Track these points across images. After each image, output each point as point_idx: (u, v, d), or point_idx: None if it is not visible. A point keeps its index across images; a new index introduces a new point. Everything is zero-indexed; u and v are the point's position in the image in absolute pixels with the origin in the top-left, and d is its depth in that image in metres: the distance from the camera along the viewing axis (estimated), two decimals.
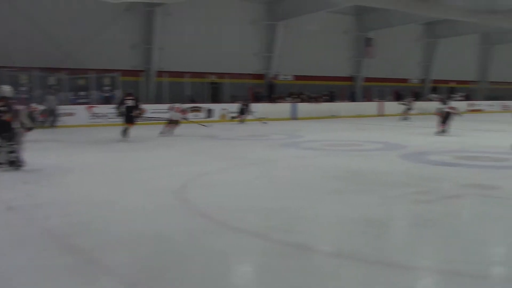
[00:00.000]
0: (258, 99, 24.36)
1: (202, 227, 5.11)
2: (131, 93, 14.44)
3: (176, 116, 15.68)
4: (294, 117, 23.88)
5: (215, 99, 24.66)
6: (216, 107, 22.66)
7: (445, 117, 15.33)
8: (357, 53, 29.95)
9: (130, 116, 13.61)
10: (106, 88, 21.28)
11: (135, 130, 14.12)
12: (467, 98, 34.67)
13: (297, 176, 8.22)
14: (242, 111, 21.55)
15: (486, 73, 37.28)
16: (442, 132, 15.19)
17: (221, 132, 16.52)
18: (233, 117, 22.02)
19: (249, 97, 23.90)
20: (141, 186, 7.20)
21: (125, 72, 21.85)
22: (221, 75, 24.70)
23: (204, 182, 7.68)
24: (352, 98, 29.50)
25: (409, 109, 23.30)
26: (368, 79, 30.42)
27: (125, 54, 23.09)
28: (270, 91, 25.97)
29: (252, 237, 4.85)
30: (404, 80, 32.93)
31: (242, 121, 21.31)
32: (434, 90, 33.77)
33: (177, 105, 16.21)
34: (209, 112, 22.16)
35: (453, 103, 17.52)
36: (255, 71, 26.49)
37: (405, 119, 22.73)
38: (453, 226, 5.28)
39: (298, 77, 27.75)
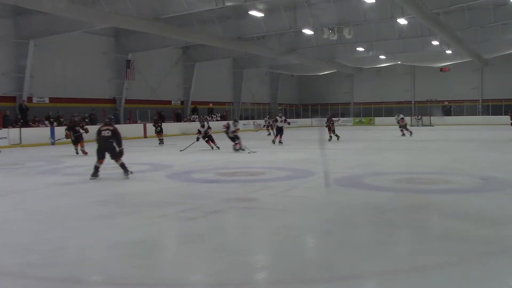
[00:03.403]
0: (7, 123, 22.02)
1: None
2: None
3: None
4: (53, 142, 22.35)
5: None
6: None
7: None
8: (118, 74, 29.59)
9: None
10: None
11: None
12: (224, 118, 37.31)
13: (59, 205, 7.67)
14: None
15: (239, 95, 40.67)
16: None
17: None
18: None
19: None
20: None
21: None
22: None
23: None
24: (115, 120, 29.03)
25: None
26: (130, 101, 30.29)
27: None
28: (23, 115, 23.77)
29: (6, 278, 4.32)
30: (166, 102, 33.76)
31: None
32: (195, 111, 35.43)
33: None
34: None
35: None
36: (4, 93, 24.00)
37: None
38: (219, 239, 5.55)
39: (54, 99, 26.06)
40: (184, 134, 29.60)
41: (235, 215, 6.97)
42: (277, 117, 20.89)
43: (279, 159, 14.48)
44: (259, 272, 4.51)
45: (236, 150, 16.74)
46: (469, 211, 6.69)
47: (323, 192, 8.47)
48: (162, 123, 23.14)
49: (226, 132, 17.27)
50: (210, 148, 17.64)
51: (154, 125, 22.46)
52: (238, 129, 17.62)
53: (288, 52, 31.68)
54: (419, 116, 40.26)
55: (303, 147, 19.01)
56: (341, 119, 46.16)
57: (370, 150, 17.08)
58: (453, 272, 4.27)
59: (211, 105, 38.00)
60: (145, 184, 9.70)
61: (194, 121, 33.24)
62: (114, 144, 10.23)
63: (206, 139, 17.73)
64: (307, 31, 26.75)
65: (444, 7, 21.86)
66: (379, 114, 45.96)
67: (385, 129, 33.22)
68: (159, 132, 21.77)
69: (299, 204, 7.54)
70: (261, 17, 23.70)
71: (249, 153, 15.81)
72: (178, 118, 33.24)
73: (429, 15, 21.11)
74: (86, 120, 23.99)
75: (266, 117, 30.86)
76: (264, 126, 30.04)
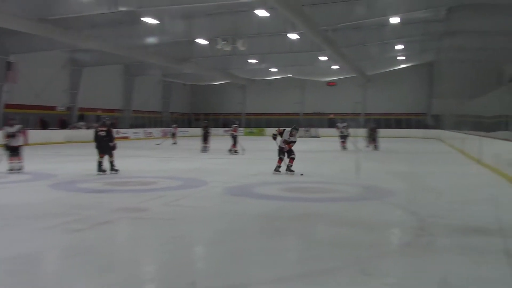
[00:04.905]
0: None
1: None
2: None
3: None
4: None
5: None
6: None
7: None
8: None
9: None
10: None
11: None
12: (113, 126, 36.06)
13: None
14: None
15: (130, 102, 39.66)
16: None
17: None
18: None
19: None
20: None
21: None
22: None
23: None
24: None
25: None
26: (10, 106, 28.26)
27: None
28: None
29: None
30: (51, 108, 32.00)
31: None
32: (82, 118, 33.96)
33: None
34: None
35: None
36: None
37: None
38: (108, 251, 5.34)
39: None
40: (69, 142, 28.23)
41: (124, 226, 6.75)
42: (339, 124, 21.83)
43: (171, 168, 14.32)
44: (149, 284, 4.41)
45: (277, 170, 12.49)
46: (353, 218, 7.08)
47: (215, 202, 8.51)
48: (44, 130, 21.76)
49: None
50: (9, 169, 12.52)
51: None
52: (292, 144, 12.53)
53: (182, 60, 31.56)
54: (307, 128, 41.94)
55: (195, 156, 18.98)
56: None
57: (260, 160, 17.45)
58: (340, 276, 4.49)
59: (99, 112, 36.67)
60: (27, 195, 9.10)
61: (80, 128, 31.89)
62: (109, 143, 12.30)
63: (13, 152, 12.56)
64: (202, 41, 26.86)
65: (332, 25, 23.07)
66: (269, 125, 47.18)
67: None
68: None
69: (191, 213, 7.49)
70: (155, 24, 23.37)
71: (299, 174, 12.15)
72: (63, 125, 31.62)
73: (319, 31, 22.17)
74: None
75: (173, 125, 30.35)
76: (170, 134, 29.50)
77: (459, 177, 12.77)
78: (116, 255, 5.20)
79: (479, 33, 26.73)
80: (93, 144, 12.44)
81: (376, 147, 22.80)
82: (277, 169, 12.45)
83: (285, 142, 12.41)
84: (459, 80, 36.61)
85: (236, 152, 19.56)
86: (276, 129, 12.90)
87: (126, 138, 34.99)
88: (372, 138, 23.25)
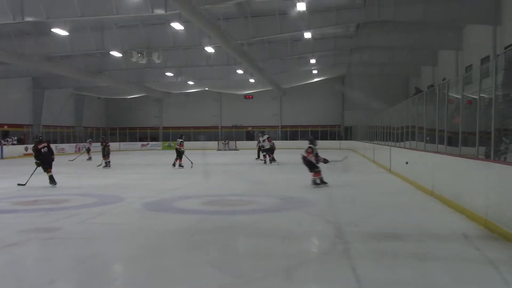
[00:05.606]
0: None
1: None
2: None
3: None
4: None
5: None
6: None
7: None
8: None
9: None
10: None
11: None
12: (21, 141, 34.19)
13: None
14: None
15: (40, 117, 37.77)
16: None
17: None
18: None
19: None
20: None
21: None
22: None
23: None
24: None
25: None
26: None
27: None
28: None
29: None
30: None
31: None
32: None
33: None
34: None
35: None
36: None
37: None
38: (16, 273, 5.04)
39: None
40: None
41: (35, 247, 6.38)
42: (260, 138, 21.77)
43: (85, 184, 13.78)
44: None
45: (316, 184, 12.26)
46: (272, 228, 7.16)
47: (132, 218, 8.28)
48: None
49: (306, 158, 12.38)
50: None
51: None
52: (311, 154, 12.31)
53: (95, 73, 30.63)
54: (226, 141, 42.07)
55: (111, 172, 18.41)
56: (150, 143, 46.16)
57: (178, 174, 17.24)
58: (260, 287, 4.51)
59: (6, 127, 34.60)
60: None
61: None
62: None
63: None
64: (115, 53, 26.21)
65: (247, 39, 23.36)
66: (187, 138, 46.77)
67: (192, 153, 33.94)
68: None
69: (107, 231, 7.23)
70: (66, 35, 22.51)
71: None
72: None
73: (234, 45, 22.38)
74: None
75: (88, 140, 29.59)
76: (84, 150, 28.88)
77: (371, 185, 13.32)
78: (24, 279, 4.90)
79: (385, 49, 28.31)
80: (36, 162, 13.39)
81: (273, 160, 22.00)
82: (316, 182, 12.28)
83: (316, 155, 12.37)
84: (368, 92, 38.51)
85: (181, 166, 19.32)
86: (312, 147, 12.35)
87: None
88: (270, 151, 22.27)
